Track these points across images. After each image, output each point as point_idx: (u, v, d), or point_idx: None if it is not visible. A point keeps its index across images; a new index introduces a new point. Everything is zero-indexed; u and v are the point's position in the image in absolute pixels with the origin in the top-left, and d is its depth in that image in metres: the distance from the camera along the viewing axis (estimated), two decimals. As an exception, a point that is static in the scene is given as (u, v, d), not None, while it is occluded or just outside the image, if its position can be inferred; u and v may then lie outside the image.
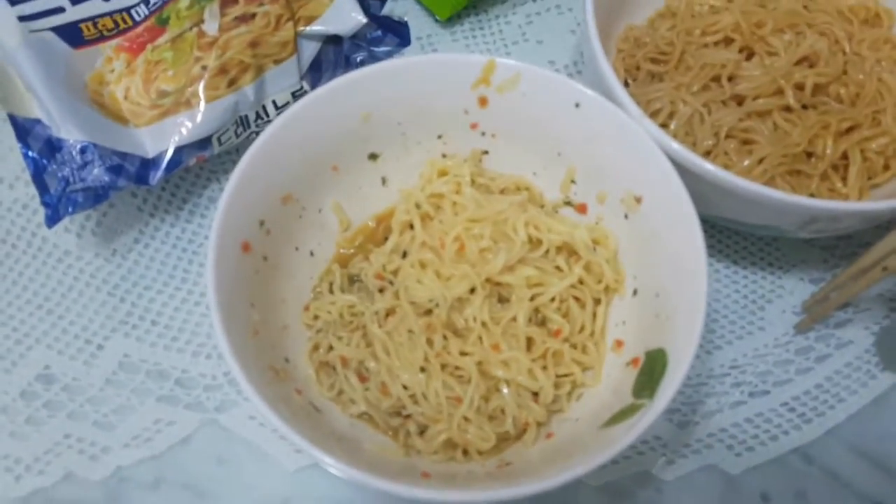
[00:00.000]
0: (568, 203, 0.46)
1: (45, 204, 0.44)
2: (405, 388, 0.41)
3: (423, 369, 0.41)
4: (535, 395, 0.42)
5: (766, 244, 0.52)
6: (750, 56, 0.49)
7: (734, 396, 0.47)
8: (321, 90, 0.42)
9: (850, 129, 0.47)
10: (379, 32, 0.51)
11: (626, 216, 0.43)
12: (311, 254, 0.45)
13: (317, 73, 0.50)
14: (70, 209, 0.44)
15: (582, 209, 0.46)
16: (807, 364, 0.48)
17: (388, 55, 0.52)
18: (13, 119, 0.44)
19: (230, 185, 0.38)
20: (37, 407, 0.45)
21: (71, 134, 0.43)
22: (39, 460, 0.44)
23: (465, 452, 0.40)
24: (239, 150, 0.53)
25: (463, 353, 0.41)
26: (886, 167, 0.48)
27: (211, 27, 0.47)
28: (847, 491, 0.45)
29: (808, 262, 0.51)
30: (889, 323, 0.49)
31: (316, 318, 0.44)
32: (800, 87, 0.47)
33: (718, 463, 0.45)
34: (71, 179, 0.43)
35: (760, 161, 0.45)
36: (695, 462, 0.45)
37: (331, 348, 0.43)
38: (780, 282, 0.51)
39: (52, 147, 0.44)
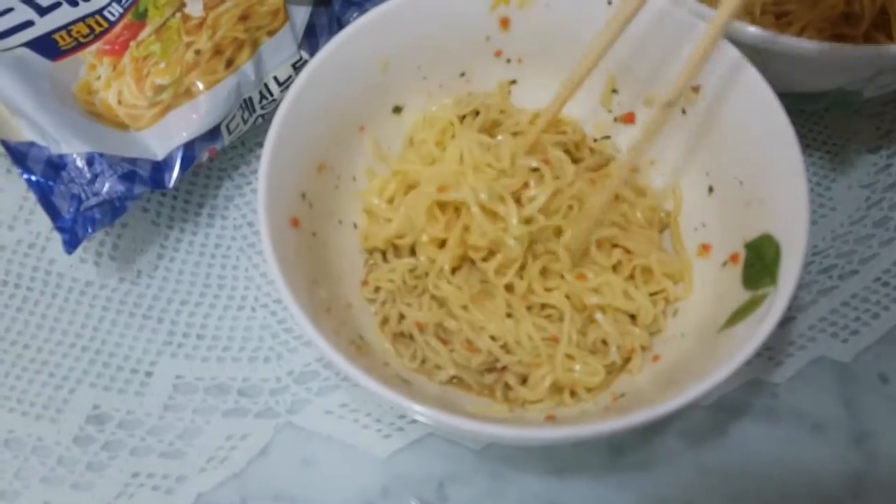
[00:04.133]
0: (614, 119, 0.43)
1: (59, 229, 0.40)
2: (493, 339, 0.38)
3: (508, 315, 0.38)
4: (632, 318, 0.39)
5: (815, 123, 0.49)
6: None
7: (825, 283, 0.44)
8: (336, 41, 0.38)
9: (884, -17, 0.45)
10: (371, -16, 0.48)
11: (683, 111, 0.40)
12: (355, 226, 0.42)
13: (313, 38, 0.47)
14: (89, 229, 0.40)
15: (629, 119, 0.43)
16: (888, 234, 0.46)
17: (383, 9, 0.48)
18: (6, 145, 0.40)
19: (266, 154, 0.35)
20: (94, 451, 0.41)
21: (73, 147, 0.39)
22: (112, 507, 0.40)
23: (573, 393, 0.37)
24: (245, 143, 0.49)
25: (547, 290, 0.38)
26: (927, 14, 0.46)
27: (195, 8, 0.43)
28: (965, 352, 0.43)
29: (860, 132, 0.49)
30: (958, 178, 0.47)
31: (377, 290, 0.41)
32: (824, -50, 0.45)
33: (827, 353, 0.43)
34: (83, 196, 0.40)
35: (802, 31, 0.43)
36: (803, 358, 0.43)
37: (402, 317, 0.39)
38: (838, 158, 0.48)
39: (55, 166, 0.40)
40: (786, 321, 0.43)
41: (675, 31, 0.38)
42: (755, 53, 0.37)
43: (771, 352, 0.43)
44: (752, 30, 0.38)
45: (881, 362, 0.43)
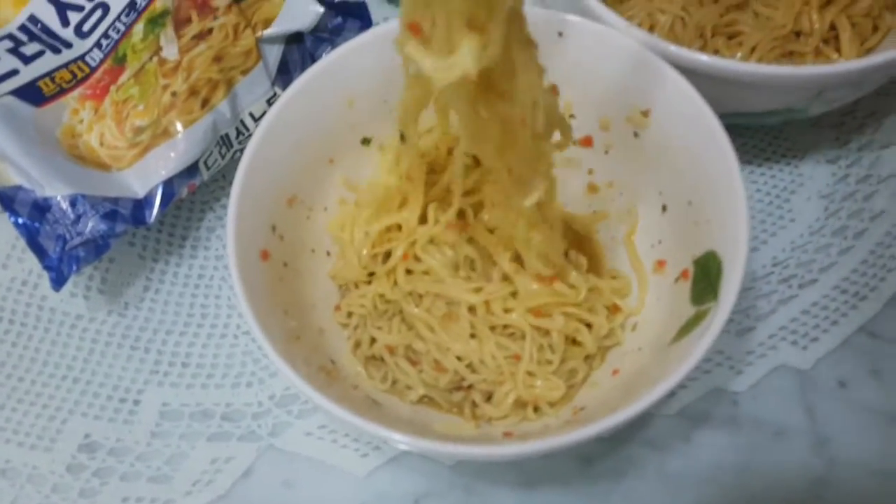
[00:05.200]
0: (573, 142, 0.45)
1: (46, 268, 0.42)
2: (459, 359, 0.39)
3: (472, 336, 0.40)
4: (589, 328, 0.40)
5: (775, 137, 0.51)
6: (716, -48, 0.48)
7: (785, 292, 0.46)
8: (302, 80, 0.41)
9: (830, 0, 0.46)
10: (339, 19, 0.50)
11: (635, 134, 0.42)
12: (328, 253, 0.44)
13: (286, 75, 0.49)
14: (74, 266, 0.42)
15: (587, 142, 0.44)
16: (846, 243, 0.47)
17: (353, 42, 0.51)
18: (-7, 191, 0.42)
19: (234, 191, 0.37)
20: (86, 478, 0.43)
21: (57, 189, 0.42)
22: (103, 530, 0.42)
23: (536, 408, 0.39)
24: (225, 176, 0.51)
25: (507, 311, 0.40)
26: (875, 28, 0.47)
27: (170, 52, 0.45)
28: (921, 356, 0.44)
29: (819, 143, 0.50)
30: (917, 184, 0.49)
31: (349, 315, 0.42)
32: (772, -30, 0.46)
33: (787, 361, 0.44)
34: (67, 236, 0.42)
35: (753, 50, 0.45)
36: (763, 367, 0.44)
37: (373, 341, 0.41)
38: (797, 170, 0.50)
39: (41, 208, 0.42)
40: (746, 331, 0.45)
41: (624, 59, 0.40)
42: (702, 78, 0.39)
43: (731, 361, 0.44)
44: (700, 57, 0.39)
45: (840, 368, 0.44)
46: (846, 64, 0.39)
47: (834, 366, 0.44)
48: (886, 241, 0.47)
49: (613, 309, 0.41)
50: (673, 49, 0.39)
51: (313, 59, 0.50)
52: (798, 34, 0.46)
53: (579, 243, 0.44)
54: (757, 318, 0.45)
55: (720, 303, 0.34)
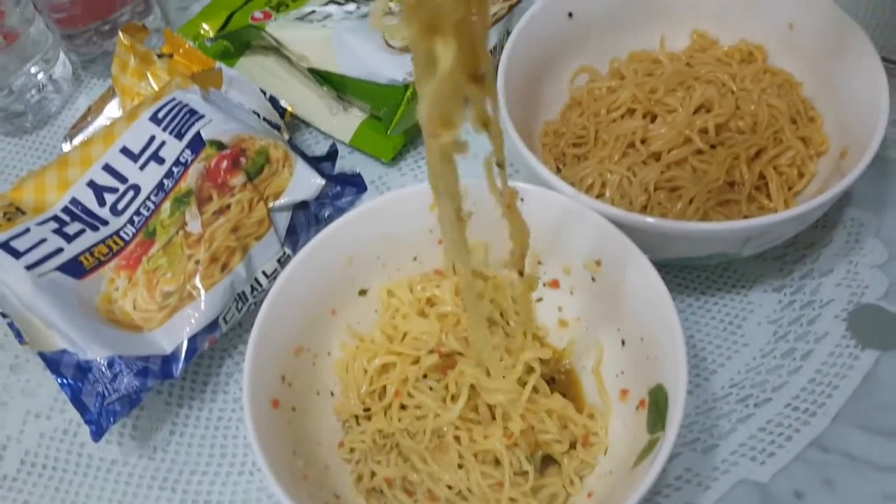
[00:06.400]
0: (543, 284, 0.52)
1: (87, 422, 0.48)
2: (450, 488, 0.45)
3: (460, 466, 0.45)
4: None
5: (724, 270, 0.57)
6: (654, 118, 0.56)
7: (742, 412, 0.51)
8: (307, 248, 0.48)
9: (758, 153, 0.54)
10: (338, 188, 0.58)
11: (593, 279, 0.48)
12: (332, 394, 0.50)
13: (294, 236, 0.56)
14: (111, 419, 0.48)
15: (554, 284, 0.51)
16: (795, 364, 0.53)
17: (351, 204, 0.58)
18: (43, 356, 0.49)
19: (249, 352, 0.43)
20: None
21: (96, 353, 0.48)
22: None
23: (520, 531, 0.44)
24: (242, 325, 0.58)
25: (486, 437, 0.45)
26: (801, 175, 0.54)
27: (194, 226, 0.53)
28: (867, 466, 0.49)
29: (765, 275, 0.57)
30: (854, 307, 0.54)
31: (352, 451, 0.48)
32: (704, 132, 0.54)
33: (748, 476, 0.49)
34: (106, 393, 0.48)
35: (691, 201, 0.52)
36: (727, 482, 0.49)
37: (373, 474, 0.46)
38: (746, 299, 0.56)
39: (83, 369, 0.48)
40: (710, 448, 0.50)
41: (575, 220, 0.47)
42: (646, 232, 0.46)
43: (699, 477, 0.49)
44: (647, 219, 0.46)
45: (795, 480, 0.49)
46: (759, 220, 0.45)
47: (790, 478, 0.49)
48: (830, 361, 0.52)
49: (585, 440, 0.46)
50: (619, 212, 0.46)
51: (317, 220, 0.58)
52: (732, 184, 0.53)
53: (566, 382, 0.50)
54: (719, 437, 0.50)
55: (666, 433, 0.39)
